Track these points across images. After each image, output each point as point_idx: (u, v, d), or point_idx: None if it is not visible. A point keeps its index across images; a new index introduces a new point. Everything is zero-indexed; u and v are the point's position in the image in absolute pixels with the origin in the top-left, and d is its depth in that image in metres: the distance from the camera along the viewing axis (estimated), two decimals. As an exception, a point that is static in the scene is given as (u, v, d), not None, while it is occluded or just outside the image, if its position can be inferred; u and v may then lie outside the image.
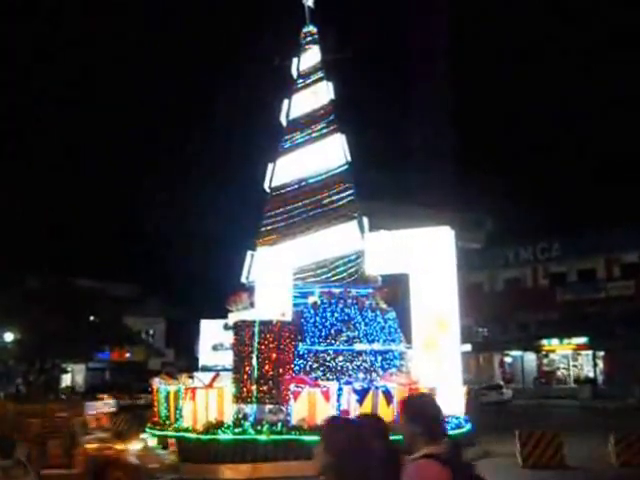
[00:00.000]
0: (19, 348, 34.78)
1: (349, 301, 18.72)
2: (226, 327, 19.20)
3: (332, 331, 18.00)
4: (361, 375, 17.08)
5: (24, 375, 37.21)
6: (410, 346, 18.50)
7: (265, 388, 15.16)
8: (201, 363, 20.32)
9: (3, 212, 32.47)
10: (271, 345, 15.60)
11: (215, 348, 19.86)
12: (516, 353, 44.69)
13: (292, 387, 15.02)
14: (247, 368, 15.45)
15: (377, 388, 15.27)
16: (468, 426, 16.67)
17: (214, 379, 16.65)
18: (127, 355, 46.56)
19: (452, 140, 51.02)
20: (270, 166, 21.82)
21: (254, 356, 15.47)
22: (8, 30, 66.09)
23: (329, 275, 19.40)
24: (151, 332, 53.50)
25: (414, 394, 3.13)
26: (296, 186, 21.00)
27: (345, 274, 19.46)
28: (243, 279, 20.55)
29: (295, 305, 17.81)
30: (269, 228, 20.79)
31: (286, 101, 22.58)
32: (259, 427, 14.41)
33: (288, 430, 14.34)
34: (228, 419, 15.00)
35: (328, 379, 16.54)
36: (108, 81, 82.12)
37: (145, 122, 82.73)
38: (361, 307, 18.70)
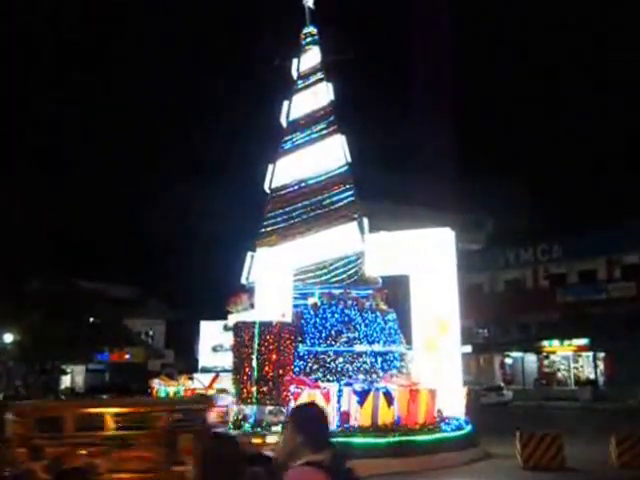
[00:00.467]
0: (19, 349, 34.74)
1: (349, 302, 18.68)
2: (226, 328, 19.18)
3: (332, 332, 17.95)
4: (361, 376, 17.03)
5: (24, 376, 37.18)
6: (410, 347, 18.46)
7: (265, 389, 15.11)
8: (201, 364, 20.29)
9: (3, 213, 32.42)
10: (271, 346, 15.55)
11: (215, 349, 19.84)
12: (516, 354, 44.61)
13: (292, 388, 14.98)
14: (247, 369, 15.40)
15: (377, 389, 15.23)
16: (469, 427, 16.63)
17: (214, 380, 16.63)
18: (127, 356, 46.51)
19: (452, 141, 51.02)
20: (270, 167, 21.80)
21: (254, 357, 15.43)
22: (8, 30, 66.07)
23: (329, 276, 19.36)
24: (151, 333, 53.47)
25: (302, 404, 3.23)
26: (296, 187, 20.97)
27: (345, 275, 19.42)
28: (243, 280, 20.52)
29: (295, 306, 17.78)
30: (269, 229, 20.76)
31: (286, 102, 22.55)
32: (259, 428, 14.37)
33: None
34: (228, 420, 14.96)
35: (328, 380, 16.51)
36: (108, 81, 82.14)
37: (145, 122, 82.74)
38: (361, 308, 18.66)
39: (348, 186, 20.94)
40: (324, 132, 21.52)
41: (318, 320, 18.15)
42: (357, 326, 18.23)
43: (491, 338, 45.93)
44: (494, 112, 79.86)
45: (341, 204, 20.55)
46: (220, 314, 20.51)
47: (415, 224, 20.28)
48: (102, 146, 78.09)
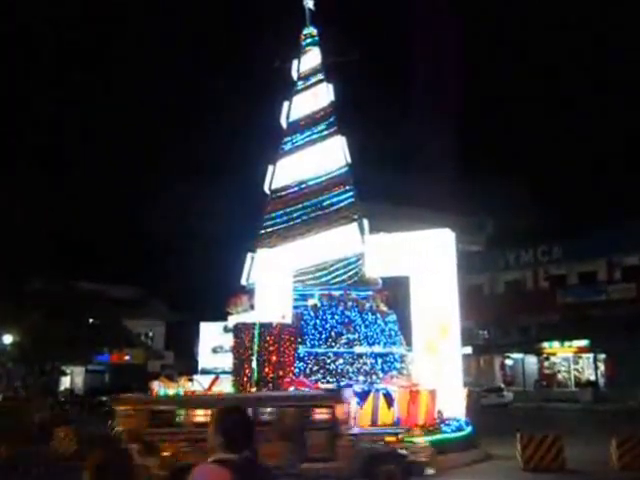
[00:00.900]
0: (18, 350, 34.70)
1: (349, 304, 18.65)
2: (226, 329, 19.12)
3: (332, 334, 17.93)
4: (361, 378, 17.01)
5: (23, 377, 37.13)
6: (410, 348, 18.44)
7: (265, 391, 15.08)
8: (201, 366, 20.22)
9: (3, 214, 32.40)
10: (271, 348, 15.53)
11: (215, 351, 19.76)
12: (517, 356, 44.57)
13: (292, 390, 14.94)
14: (247, 371, 15.38)
15: (378, 391, 15.21)
16: (469, 429, 16.60)
17: (214, 382, 16.56)
18: (126, 357, 46.46)
19: (452, 141, 51.02)
20: (270, 168, 21.78)
21: (254, 359, 15.40)
22: (8, 30, 66.10)
23: (329, 277, 19.34)
24: (150, 334, 53.39)
25: (227, 408, 3.28)
26: (296, 188, 20.96)
27: (345, 276, 19.39)
28: (243, 281, 20.49)
29: (295, 307, 17.75)
30: (269, 230, 20.74)
31: (286, 103, 22.54)
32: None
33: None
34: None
35: (328, 382, 16.48)
36: (108, 81, 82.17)
37: (145, 122, 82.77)
38: (361, 309, 18.63)
39: (348, 187, 20.92)
40: (324, 133, 21.50)
41: (318, 321, 18.12)
42: (357, 327, 18.20)
43: (491, 339, 45.88)
44: (494, 112, 79.86)
45: (341, 205, 20.53)
46: (220, 315, 20.48)
47: (415, 225, 20.25)
48: (102, 146, 78.13)
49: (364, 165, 25.42)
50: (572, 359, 41.77)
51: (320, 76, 22.46)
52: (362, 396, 14.87)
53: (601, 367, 40.06)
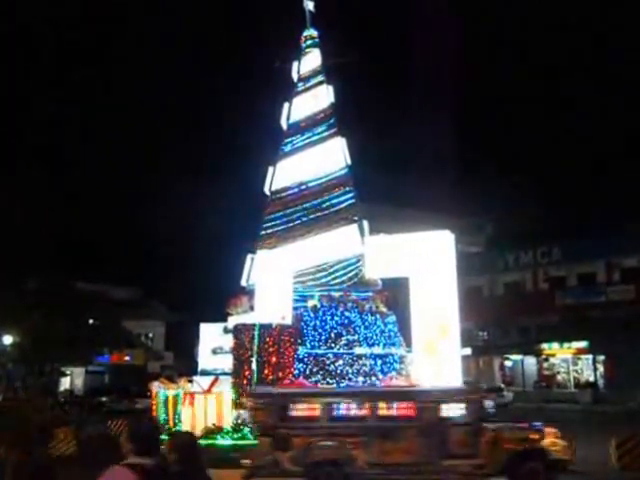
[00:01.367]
0: (18, 351, 34.71)
1: (349, 305, 18.68)
2: (226, 330, 19.14)
3: (332, 335, 17.95)
4: (361, 379, 17.03)
5: (23, 378, 37.13)
6: (410, 350, 18.44)
7: (265, 392, 15.09)
8: (200, 367, 20.23)
9: (3, 213, 32.40)
10: (271, 349, 15.55)
11: (215, 352, 19.77)
12: (516, 357, 44.60)
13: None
14: (247, 372, 15.40)
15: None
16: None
17: (213, 383, 16.59)
18: (126, 358, 46.45)
19: (452, 142, 51.08)
20: (270, 169, 21.81)
21: (254, 360, 15.42)
22: (8, 30, 66.14)
23: (329, 279, 19.37)
24: (150, 335, 53.37)
25: (138, 417, 3.77)
26: (296, 189, 20.98)
27: (345, 278, 19.42)
28: (243, 282, 20.51)
29: (295, 309, 17.77)
30: (269, 231, 20.77)
31: (286, 104, 22.58)
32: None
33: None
34: (227, 424, 14.93)
35: (328, 383, 16.50)
36: (108, 81, 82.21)
37: (145, 122, 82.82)
38: (361, 311, 18.66)
39: (348, 188, 20.95)
40: (324, 134, 21.54)
41: (318, 323, 18.15)
42: (357, 328, 18.22)
43: (491, 340, 45.89)
44: (494, 112, 79.90)
45: (341, 206, 20.56)
46: (220, 316, 20.49)
47: (415, 227, 20.27)
48: (102, 146, 78.16)
49: (364, 166, 25.48)
50: (571, 360, 41.80)
51: (320, 78, 22.50)
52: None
53: (600, 368, 40.08)
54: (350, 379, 16.90)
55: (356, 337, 18.01)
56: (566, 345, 41.22)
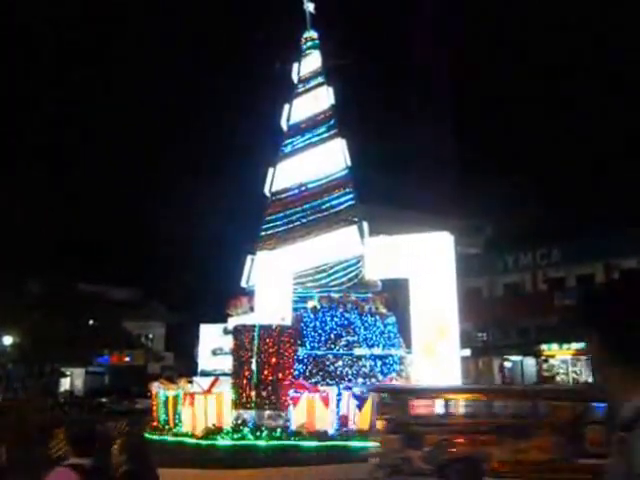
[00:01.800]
0: (18, 352, 34.73)
1: (349, 306, 18.72)
2: (226, 331, 19.17)
3: (332, 336, 17.99)
4: (361, 380, 17.07)
5: (22, 379, 37.13)
6: (410, 351, 18.48)
7: (264, 393, 15.13)
8: (200, 367, 20.27)
9: (3, 214, 32.44)
10: (271, 350, 15.59)
11: (215, 352, 19.81)
12: (516, 358, 44.62)
13: (291, 392, 15.00)
14: (247, 373, 15.43)
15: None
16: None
17: (213, 384, 16.64)
18: (126, 359, 46.45)
19: (452, 144, 51.12)
20: (270, 170, 21.85)
21: (254, 361, 15.46)
22: (8, 30, 66.20)
23: (329, 280, 19.41)
24: (150, 336, 53.39)
25: (77, 419, 4.07)
26: (296, 190, 21.03)
27: (345, 279, 19.46)
28: (243, 283, 20.55)
29: (295, 310, 17.81)
30: (269, 232, 20.81)
31: (287, 105, 22.62)
32: (258, 433, 14.38)
33: (287, 436, 14.31)
34: (227, 425, 14.97)
35: (328, 384, 16.53)
36: (108, 81, 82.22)
37: (145, 122, 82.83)
38: (361, 312, 18.70)
39: (348, 190, 21.00)
40: (324, 136, 21.58)
41: (318, 323, 18.18)
42: (357, 330, 18.26)
43: (490, 342, 45.92)
44: (494, 112, 79.94)
45: (341, 208, 20.61)
46: (220, 317, 20.53)
47: (415, 228, 20.33)
48: (102, 146, 78.16)
49: (364, 168, 25.50)
50: (570, 361, 41.84)
51: (320, 79, 22.55)
52: (361, 399, 14.93)
53: (599, 369, 40.11)
54: (350, 380, 16.93)
55: (356, 338, 18.05)
56: (565, 346, 41.23)
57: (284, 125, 22.39)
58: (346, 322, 18.30)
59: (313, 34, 23.21)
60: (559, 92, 73.91)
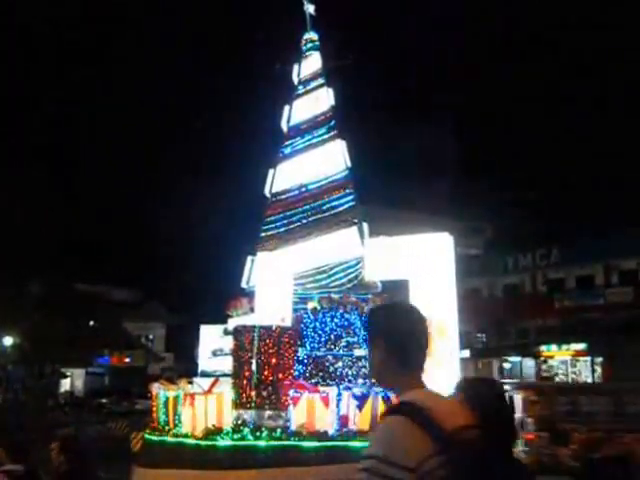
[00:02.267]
0: (18, 352, 34.78)
1: (349, 307, 18.74)
2: (226, 332, 19.19)
3: (332, 337, 18.01)
4: (361, 381, 17.09)
5: (23, 379, 37.17)
6: (409, 352, 18.49)
7: (265, 394, 15.17)
8: (201, 368, 20.29)
9: (3, 214, 32.46)
10: (271, 350, 15.62)
11: (215, 353, 19.83)
12: (515, 359, 44.70)
13: (291, 392, 15.04)
14: (247, 373, 15.47)
15: (376, 394, 15.28)
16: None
17: (213, 384, 16.66)
18: (127, 360, 46.49)
19: (452, 145, 51.18)
20: (270, 171, 21.89)
21: (254, 361, 15.49)
22: (8, 30, 66.25)
23: (329, 281, 19.44)
24: (150, 337, 53.42)
25: (6, 434, 4.35)
26: (296, 192, 21.05)
27: (345, 280, 19.49)
28: (243, 284, 20.57)
29: (295, 310, 17.83)
30: (269, 233, 20.84)
31: (287, 107, 22.66)
32: (258, 433, 14.42)
33: (287, 436, 14.35)
34: (227, 425, 15.01)
35: (328, 384, 16.56)
36: (108, 81, 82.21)
37: (145, 122, 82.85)
38: (361, 313, 18.71)
39: (348, 191, 21.02)
40: (325, 137, 21.60)
41: (318, 324, 18.20)
42: (357, 330, 18.28)
43: (489, 343, 46.02)
44: (494, 112, 79.92)
45: (341, 209, 20.63)
46: (220, 318, 20.54)
47: (414, 229, 20.38)
48: (102, 146, 78.17)
49: (364, 169, 25.55)
50: (570, 362, 41.90)
51: (321, 80, 22.58)
52: (361, 399, 14.97)
53: (598, 370, 40.16)
54: (350, 381, 16.96)
55: (356, 339, 18.08)
56: (565, 347, 41.31)
57: (284, 126, 22.42)
58: (346, 323, 18.32)
59: (313, 36, 23.24)
60: (559, 92, 73.95)
